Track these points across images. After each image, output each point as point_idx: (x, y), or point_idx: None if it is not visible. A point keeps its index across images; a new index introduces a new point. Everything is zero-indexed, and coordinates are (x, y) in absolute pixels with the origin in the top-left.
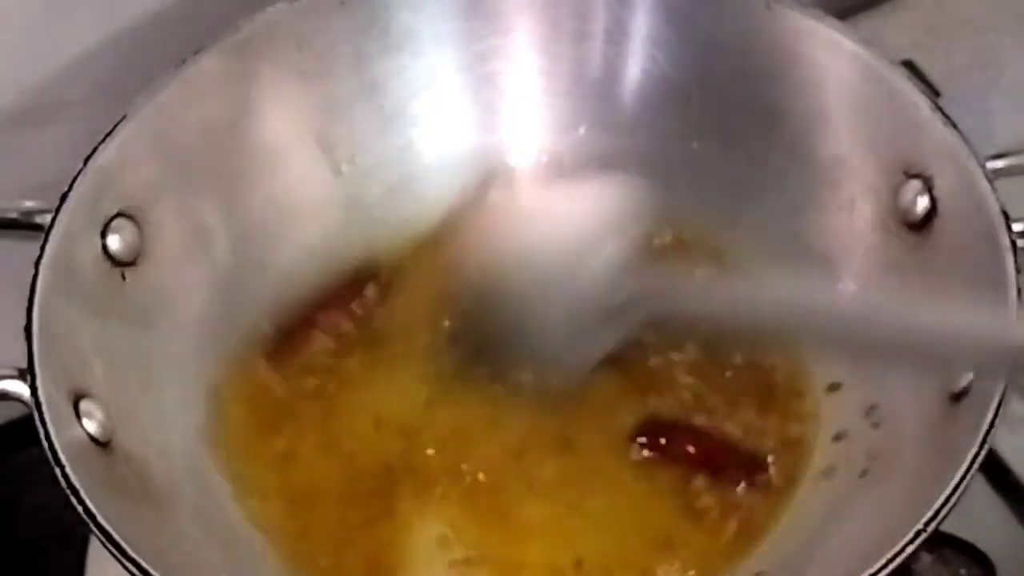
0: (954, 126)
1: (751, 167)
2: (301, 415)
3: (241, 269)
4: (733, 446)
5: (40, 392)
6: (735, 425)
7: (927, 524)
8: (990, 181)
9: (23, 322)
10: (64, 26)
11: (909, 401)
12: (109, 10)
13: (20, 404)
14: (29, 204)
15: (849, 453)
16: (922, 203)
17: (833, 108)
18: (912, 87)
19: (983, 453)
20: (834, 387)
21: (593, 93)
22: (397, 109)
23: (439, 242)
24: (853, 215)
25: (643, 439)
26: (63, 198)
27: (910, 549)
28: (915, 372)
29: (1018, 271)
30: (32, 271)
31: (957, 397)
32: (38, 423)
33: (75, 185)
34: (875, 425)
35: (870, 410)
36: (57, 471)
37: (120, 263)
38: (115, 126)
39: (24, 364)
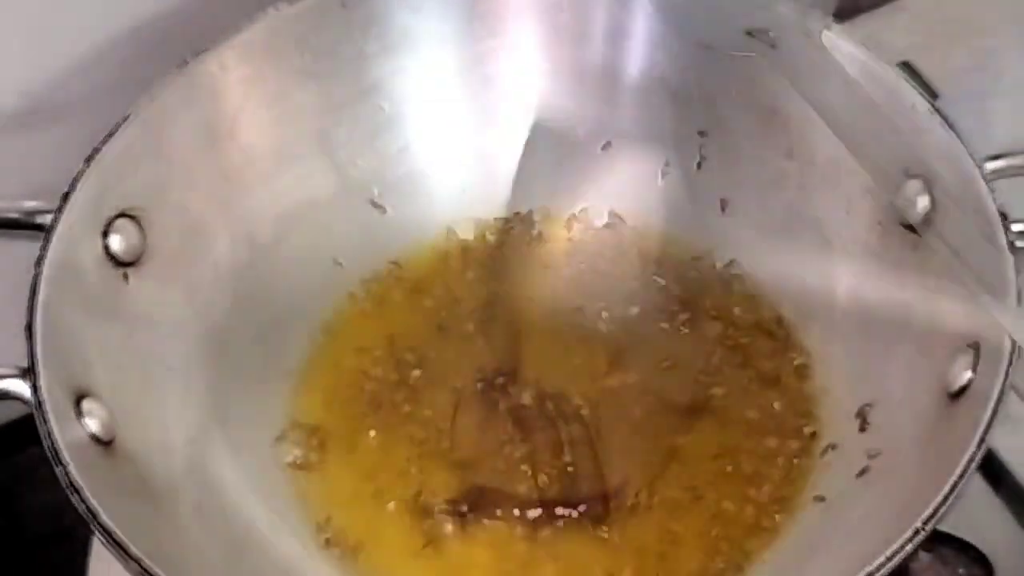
0: (952, 127)
1: (750, 168)
2: None
3: (242, 269)
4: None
5: (42, 391)
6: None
7: (925, 523)
8: (988, 182)
9: (25, 321)
10: (66, 27)
11: (906, 400)
12: (111, 11)
13: (22, 403)
14: (31, 204)
15: (847, 453)
16: (921, 204)
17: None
18: (911, 88)
19: (981, 452)
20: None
21: (593, 94)
22: (397, 110)
23: None
24: (852, 215)
25: None
26: (65, 198)
27: (908, 548)
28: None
29: (1017, 271)
30: (34, 271)
31: (955, 396)
32: (40, 422)
33: (77, 185)
34: (873, 424)
35: (867, 409)
36: (59, 470)
37: (122, 263)
38: (117, 127)
39: (26, 363)
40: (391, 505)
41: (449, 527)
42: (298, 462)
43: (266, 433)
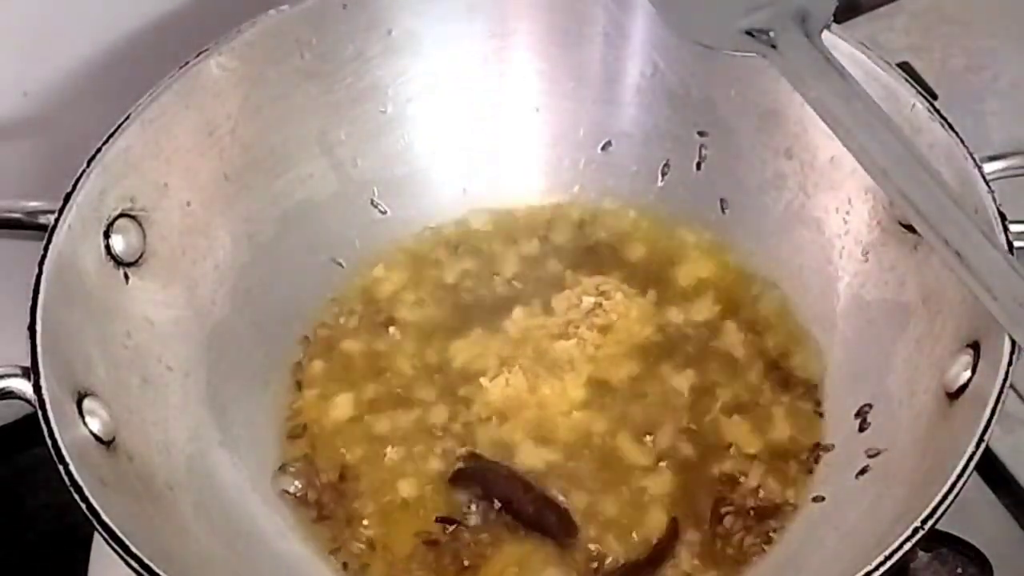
0: (951, 128)
1: (750, 168)
2: None
3: (242, 269)
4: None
5: (44, 390)
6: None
7: (924, 522)
8: (987, 182)
9: (27, 321)
10: (68, 29)
11: (906, 400)
12: (113, 13)
13: (24, 404)
14: (33, 204)
15: (847, 453)
16: None
17: None
18: (909, 89)
19: (980, 452)
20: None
21: (592, 95)
22: (398, 111)
23: None
24: (851, 216)
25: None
26: (67, 199)
27: (907, 547)
28: None
29: (1016, 271)
30: (36, 271)
31: (955, 395)
32: (42, 421)
33: (78, 186)
34: (872, 424)
35: (867, 409)
36: (61, 469)
37: (123, 263)
38: (118, 127)
39: (27, 363)
40: (390, 522)
41: (453, 545)
42: (298, 495)
43: (265, 432)
